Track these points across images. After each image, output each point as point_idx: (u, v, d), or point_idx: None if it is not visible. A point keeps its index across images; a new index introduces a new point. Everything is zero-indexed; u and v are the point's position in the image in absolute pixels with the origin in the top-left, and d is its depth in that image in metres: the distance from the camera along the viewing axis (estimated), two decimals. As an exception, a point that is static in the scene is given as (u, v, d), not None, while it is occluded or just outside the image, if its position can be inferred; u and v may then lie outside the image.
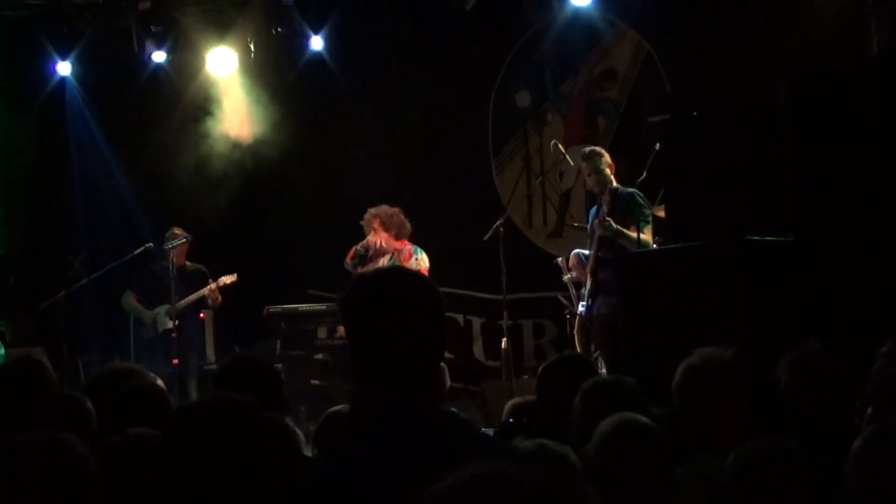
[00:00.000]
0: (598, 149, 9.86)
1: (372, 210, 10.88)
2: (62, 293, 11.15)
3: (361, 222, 10.85)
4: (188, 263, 11.48)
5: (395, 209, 10.85)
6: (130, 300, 11.52)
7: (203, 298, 11.19)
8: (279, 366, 10.73)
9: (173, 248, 11.09)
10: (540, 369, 5.33)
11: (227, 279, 11.26)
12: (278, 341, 11.69)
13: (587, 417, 4.29)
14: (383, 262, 10.56)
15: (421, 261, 10.76)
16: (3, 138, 13.89)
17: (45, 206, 13.86)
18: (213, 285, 11.16)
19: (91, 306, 11.68)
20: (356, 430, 2.84)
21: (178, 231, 11.37)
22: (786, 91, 7.56)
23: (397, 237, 10.80)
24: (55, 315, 11.16)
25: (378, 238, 10.72)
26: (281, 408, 4.55)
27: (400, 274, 2.91)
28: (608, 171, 9.53)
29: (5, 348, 11.08)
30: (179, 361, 10.26)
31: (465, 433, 2.78)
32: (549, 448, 3.89)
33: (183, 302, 11.13)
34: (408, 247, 10.86)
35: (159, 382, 5.10)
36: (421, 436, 2.65)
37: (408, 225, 10.85)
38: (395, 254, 10.77)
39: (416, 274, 2.89)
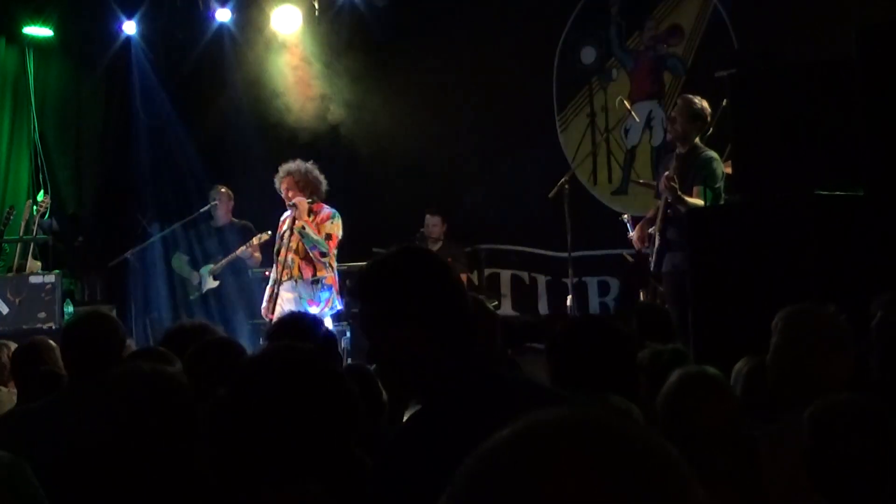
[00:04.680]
0: (697, 100, 9.47)
1: (284, 166, 10.11)
2: (130, 252, 11.24)
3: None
4: (234, 220, 11.50)
5: (309, 164, 10.12)
6: (179, 261, 11.58)
7: (243, 257, 11.10)
8: (345, 322, 10.95)
9: (214, 206, 11.21)
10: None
11: (262, 237, 11.11)
12: (343, 299, 11.59)
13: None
14: (289, 223, 10.00)
15: (336, 226, 10.08)
16: (71, 98, 13.97)
17: (113, 165, 13.91)
18: (247, 246, 11.07)
19: (158, 265, 11.72)
20: (419, 388, 2.90)
21: (222, 189, 11.42)
22: (857, 42, 7.51)
23: (315, 196, 10.03)
24: (123, 273, 11.29)
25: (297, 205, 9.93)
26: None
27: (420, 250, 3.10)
28: (692, 126, 9.29)
29: (75, 306, 11.22)
30: (224, 319, 10.17)
31: (530, 385, 2.92)
32: (613, 403, 3.92)
33: (220, 265, 11.20)
34: (325, 209, 10.09)
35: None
36: (491, 389, 2.75)
37: (324, 183, 10.12)
38: (312, 216, 10.00)
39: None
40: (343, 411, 2.74)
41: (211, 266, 11.27)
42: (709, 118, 9.36)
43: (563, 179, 10.77)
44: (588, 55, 13.04)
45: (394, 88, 13.21)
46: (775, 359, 4.32)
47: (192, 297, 11.32)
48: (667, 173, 9.20)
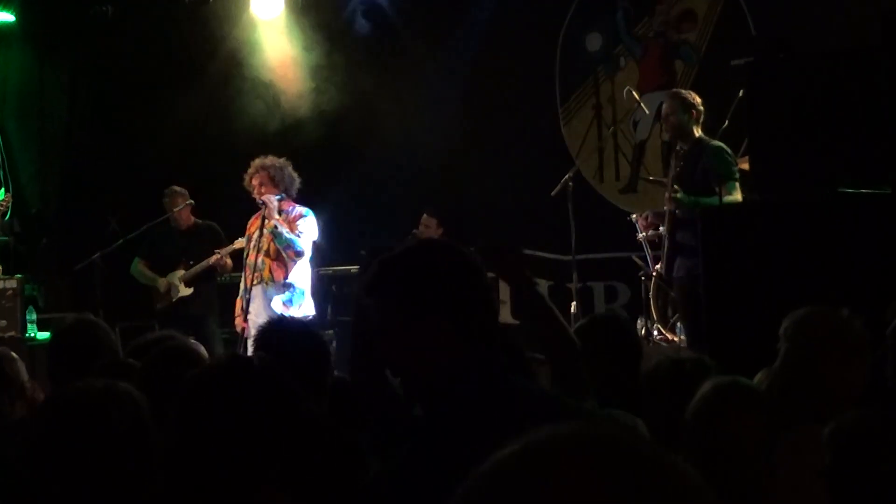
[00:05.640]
0: (684, 92, 9.52)
1: (256, 161, 9.75)
2: (98, 254, 10.94)
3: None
4: (198, 221, 11.17)
5: (283, 160, 9.77)
6: (140, 267, 11.24)
7: (213, 264, 10.82)
8: (330, 331, 10.48)
9: (178, 211, 10.97)
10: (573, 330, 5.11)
11: (239, 244, 10.59)
12: (329, 305, 11.35)
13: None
14: (259, 223, 9.65)
15: (310, 225, 9.69)
16: (34, 88, 13.82)
17: (79, 161, 13.73)
18: (220, 253, 10.71)
19: (129, 268, 11.45)
20: (431, 390, 2.80)
21: (178, 189, 11.15)
22: (882, 29, 7.55)
23: (287, 194, 9.67)
24: (91, 278, 10.98)
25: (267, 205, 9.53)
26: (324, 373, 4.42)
27: (445, 243, 3.04)
28: (688, 117, 9.12)
29: (38, 313, 11.02)
30: (197, 329, 9.68)
31: (544, 396, 2.90)
32: (617, 418, 4.01)
33: (192, 271, 10.84)
34: (297, 208, 9.74)
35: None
36: (505, 399, 2.73)
37: (297, 181, 9.75)
38: (283, 215, 9.61)
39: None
40: (292, 424, 2.76)
41: (181, 272, 10.81)
42: (701, 108, 9.23)
43: (566, 176, 10.54)
44: (593, 42, 12.81)
45: (384, 79, 13.10)
46: (785, 366, 4.24)
47: (158, 307, 10.90)
48: (667, 195, 9.21)
